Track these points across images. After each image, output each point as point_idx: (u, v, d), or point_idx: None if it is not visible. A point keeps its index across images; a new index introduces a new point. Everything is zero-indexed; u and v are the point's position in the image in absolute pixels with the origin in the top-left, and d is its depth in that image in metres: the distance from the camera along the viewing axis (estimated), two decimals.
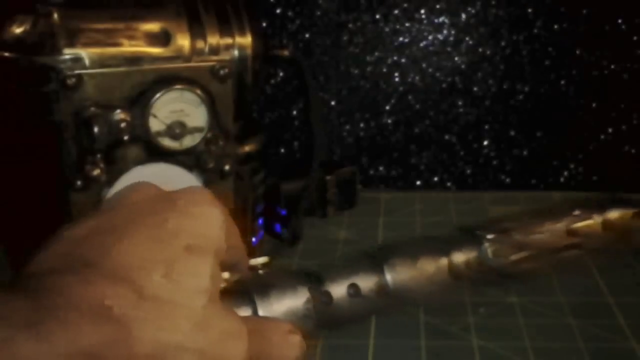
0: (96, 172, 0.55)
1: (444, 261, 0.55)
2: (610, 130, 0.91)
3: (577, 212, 0.62)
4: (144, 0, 0.59)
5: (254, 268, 0.46)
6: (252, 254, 0.68)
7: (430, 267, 0.54)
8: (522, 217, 0.61)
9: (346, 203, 0.85)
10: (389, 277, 0.51)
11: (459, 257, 0.56)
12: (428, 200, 0.88)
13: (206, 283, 0.33)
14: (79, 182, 0.55)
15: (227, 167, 0.60)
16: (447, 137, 0.93)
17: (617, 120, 0.90)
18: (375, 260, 0.51)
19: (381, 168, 0.95)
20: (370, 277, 0.50)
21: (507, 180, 0.94)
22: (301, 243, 0.74)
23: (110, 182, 0.55)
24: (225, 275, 0.39)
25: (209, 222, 0.35)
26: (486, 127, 0.92)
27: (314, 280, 0.47)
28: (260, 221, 0.69)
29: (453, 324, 0.58)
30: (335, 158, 0.94)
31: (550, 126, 0.92)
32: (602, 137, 0.91)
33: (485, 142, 0.93)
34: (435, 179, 0.95)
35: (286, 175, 0.79)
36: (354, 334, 0.56)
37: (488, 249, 0.57)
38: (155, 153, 0.57)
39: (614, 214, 0.64)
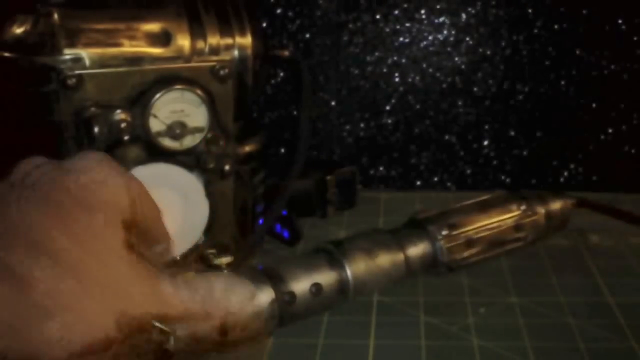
0: None
1: (400, 256, 0.55)
2: (610, 130, 0.91)
3: (523, 207, 0.63)
4: (144, 0, 0.59)
5: (218, 267, 0.46)
6: (251, 253, 0.68)
7: (388, 262, 0.54)
8: (471, 212, 0.62)
9: (346, 203, 0.85)
10: (349, 273, 0.52)
11: (414, 252, 0.57)
12: (428, 200, 0.88)
13: (113, 243, 0.34)
14: None
15: (227, 167, 0.60)
16: (447, 137, 0.93)
17: (617, 120, 0.90)
18: (335, 257, 0.52)
19: (381, 168, 0.95)
20: (331, 275, 0.50)
21: (507, 180, 0.94)
22: (301, 243, 0.74)
23: None
24: (189, 275, 0.39)
25: (112, 188, 0.35)
26: (486, 127, 0.92)
27: (277, 279, 0.47)
28: (261, 221, 0.69)
29: (453, 324, 0.58)
30: (335, 158, 0.94)
31: (550, 126, 0.92)
32: (602, 137, 0.91)
33: (485, 142, 0.93)
34: (435, 179, 0.95)
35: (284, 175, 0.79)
36: (354, 334, 0.56)
37: (443, 247, 0.58)
38: (155, 153, 0.57)
39: (555, 205, 0.65)
